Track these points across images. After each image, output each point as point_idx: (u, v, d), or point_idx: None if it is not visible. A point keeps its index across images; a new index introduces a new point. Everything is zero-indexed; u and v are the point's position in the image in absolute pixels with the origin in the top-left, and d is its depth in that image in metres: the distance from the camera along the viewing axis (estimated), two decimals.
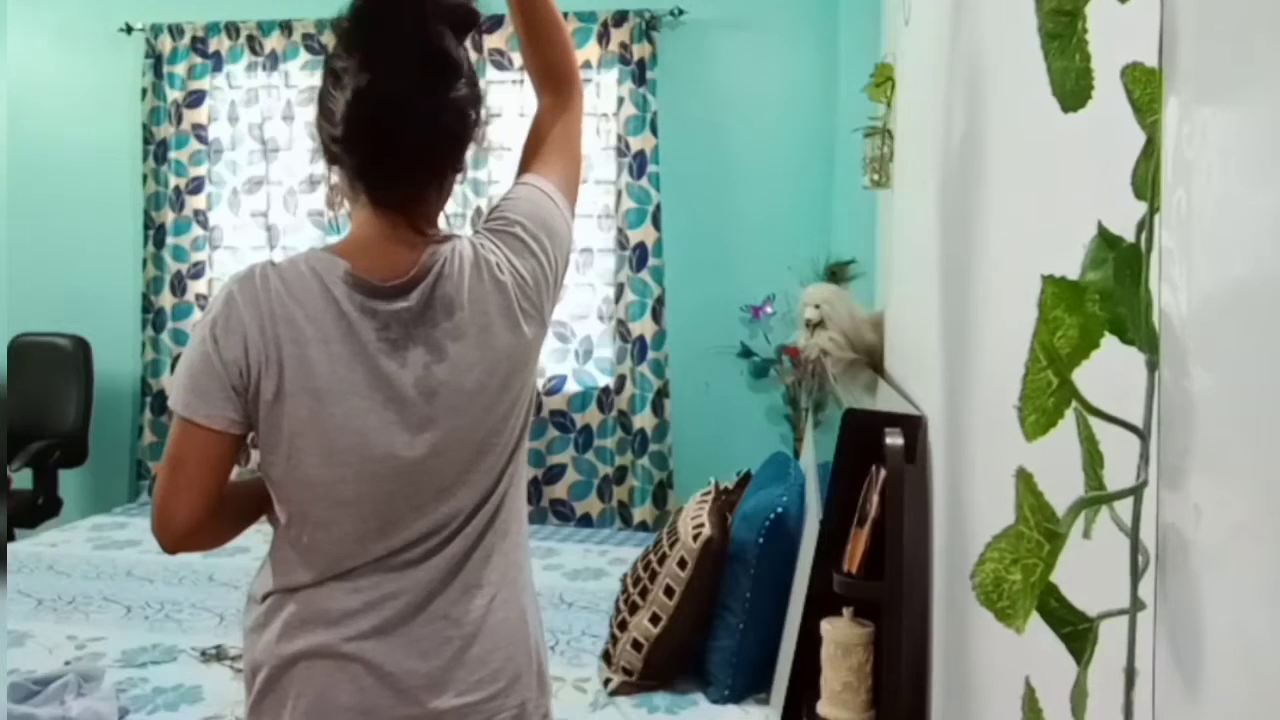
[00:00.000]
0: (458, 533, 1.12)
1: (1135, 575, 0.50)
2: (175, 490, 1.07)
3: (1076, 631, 0.52)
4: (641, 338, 3.61)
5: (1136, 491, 0.50)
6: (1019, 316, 1.00)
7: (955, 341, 1.37)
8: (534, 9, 1.23)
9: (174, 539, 1.08)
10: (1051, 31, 0.51)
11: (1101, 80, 0.55)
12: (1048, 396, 0.49)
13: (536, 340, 1.16)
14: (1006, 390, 1.05)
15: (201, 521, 1.08)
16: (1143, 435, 0.51)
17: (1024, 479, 0.50)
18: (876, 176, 2.37)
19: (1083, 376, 0.57)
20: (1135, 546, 0.50)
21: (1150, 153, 0.52)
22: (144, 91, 3.93)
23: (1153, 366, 0.50)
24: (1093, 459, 0.52)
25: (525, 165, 1.26)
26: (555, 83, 1.26)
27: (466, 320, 1.09)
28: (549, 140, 1.25)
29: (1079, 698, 0.52)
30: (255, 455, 1.11)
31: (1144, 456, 0.50)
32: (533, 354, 1.16)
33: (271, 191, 3.84)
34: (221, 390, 1.05)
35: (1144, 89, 0.52)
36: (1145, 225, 0.50)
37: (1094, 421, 0.52)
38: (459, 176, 1.15)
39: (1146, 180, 0.52)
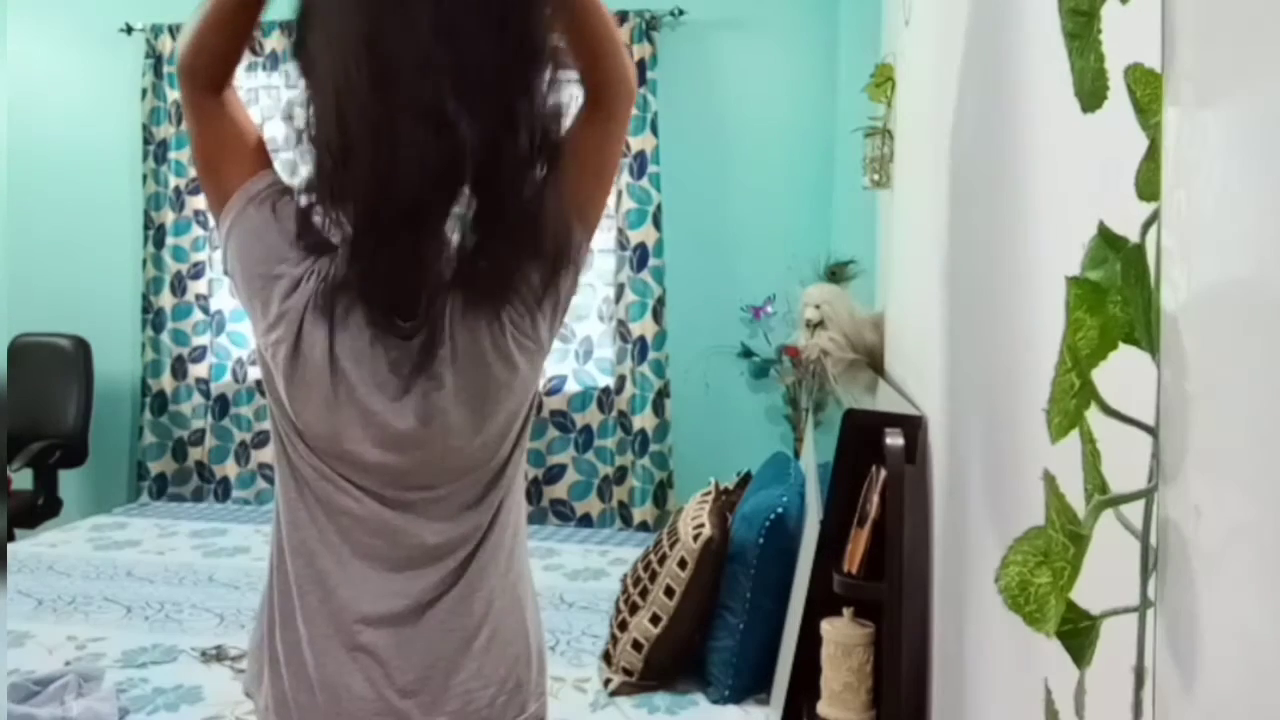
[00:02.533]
0: (461, 539, 1.12)
1: (1145, 574, 0.50)
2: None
3: (1076, 630, 0.52)
4: (642, 338, 3.61)
5: (1148, 494, 0.50)
6: (1019, 316, 1.00)
7: (955, 341, 1.38)
8: (586, 11, 1.11)
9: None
10: (1071, 31, 0.51)
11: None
12: (1070, 398, 0.49)
13: (533, 365, 1.11)
14: (1007, 390, 1.05)
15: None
16: (1156, 435, 0.51)
17: (1050, 481, 0.50)
18: (876, 176, 2.37)
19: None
20: (1146, 546, 0.50)
21: (1154, 154, 0.52)
22: (144, 92, 3.93)
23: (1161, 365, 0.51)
24: (1093, 458, 0.52)
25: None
26: (601, 90, 1.13)
27: (460, 349, 1.05)
28: (581, 151, 1.11)
29: (1079, 696, 0.52)
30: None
31: (1156, 456, 0.50)
32: (530, 380, 1.12)
33: None
34: None
35: (1146, 89, 0.52)
36: (1157, 225, 0.50)
37: (1098, 422, 0.52)
38: None
39: (1151, 181, 0.52)
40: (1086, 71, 0.51)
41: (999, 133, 1.14)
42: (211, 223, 3.91)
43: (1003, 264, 1.10)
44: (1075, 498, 0.53)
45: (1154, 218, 0.51)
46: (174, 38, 3.89)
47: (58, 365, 3.77)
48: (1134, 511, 0.59)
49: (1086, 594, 0.56)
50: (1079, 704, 0.53)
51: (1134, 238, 0.52)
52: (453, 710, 1.10)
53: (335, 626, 1.08)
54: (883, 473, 1.49)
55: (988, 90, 1.21)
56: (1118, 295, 0.50)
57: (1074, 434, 0.53)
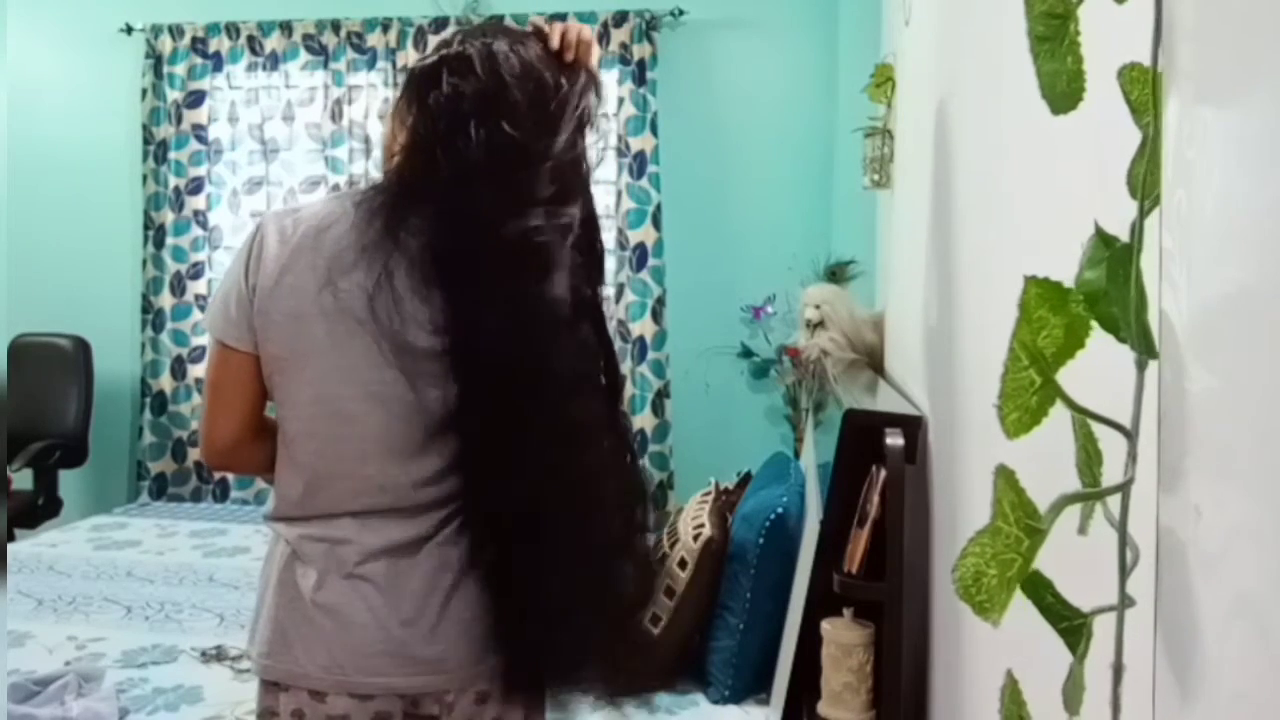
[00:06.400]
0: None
1: (1123, 572, 0.50)
2: (216, 410, 1.16)
3: (1072, 627, 0.52)
4: (642, 338, 3.61)
5: (1123, 489, 0.50)
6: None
7: (955, 341, 1.37)
8: None
9: (215, 456, 1.19)
10: (1042, 34, 0.51)
11: (1102, 80, 0.55)
12: (1030, 395, 0.50)
13: None
14: None
15: (244, 438, 1.16)
16: (1129, 434, 0.51)
17: (1004, 476, 0.50)
18: (876, 176, 2.37)
19: (1080, 376, 0.57)
20: (1123, 543, 0.50)
21: (1144, 152, 0.52)
22: (144, 92, 3.93)
23: (1141, 365, 0.51)
24: (1090, 458, 0.52)
25: None
26: None
27: None
28: None
29: (1075, 692, 0.52)
30: None
31: (1131, 455, 0.51)
32: None
33: (271, 192, 3.84)
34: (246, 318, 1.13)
35: (1141, 90, 0.52)
36: (1136, 224, 0.50)
37: (1064, 419, 0.52)
38: None
39: (1140, 179, 0.52)
40: (1061, 74, 0.51)
41: (998, 132, 1.14)
42: (211, 223, 3.92)
43: (1002, 263, 1.10)
44: (1060, 490, 0.53)
45: (1141, 217, 0.51)
46: (174, 38, 3.90)
47: (58, 365, 3.77)
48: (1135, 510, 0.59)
49: (1089, 590, 0.56)
50: (1074, 699, 0.53)
51: (1127, 238, 0.52)
52: (451, 639, 1.12)
53: (335, 560, 1.11)
54: (883, 473, 1.49)
55: (987, 90, 1.21)
56: (1082, 294, 0.50)
57: (1057, 431, 0.53)
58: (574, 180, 1.13)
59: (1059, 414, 0.54)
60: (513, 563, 1.12)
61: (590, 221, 1.18)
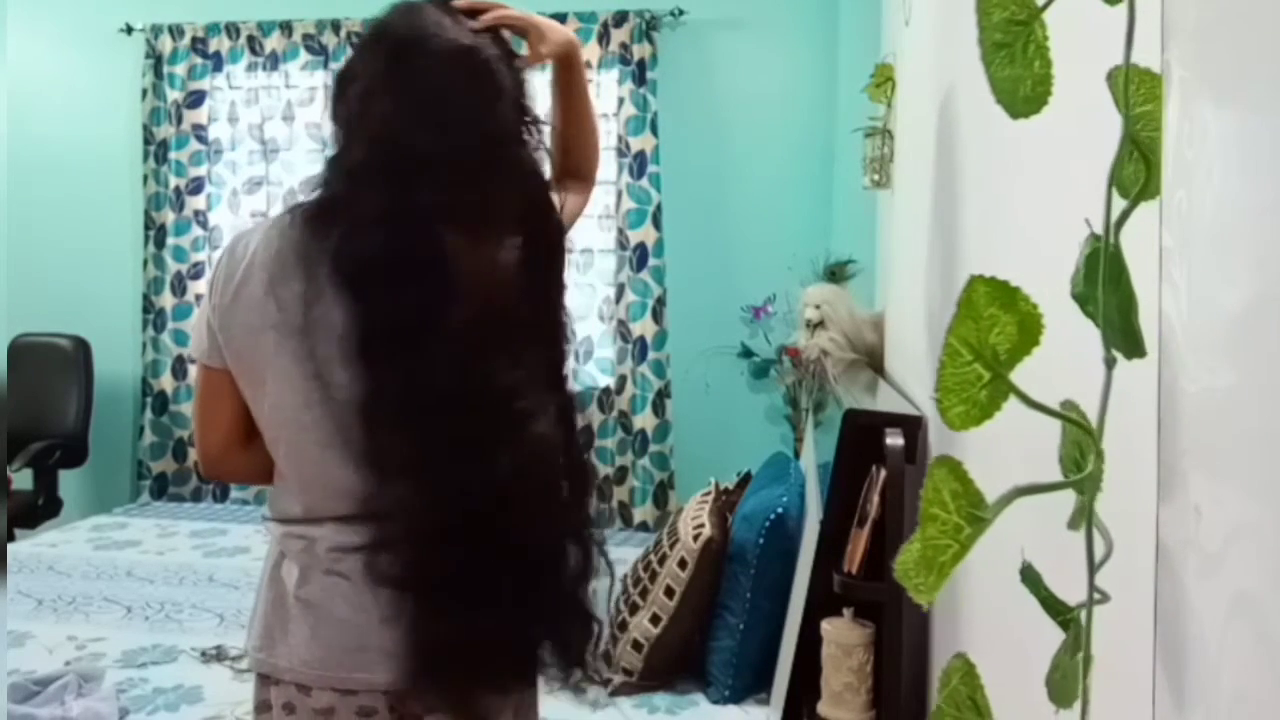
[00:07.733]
0: None
1: (1091, 566, 0.51)
2: (202, 425, 1.20)
3: (1066, 621, 0.53)
4: (642, 338, 3.61)
5: (1085, 482, 0.51)
6: None
7: None
8: (576, 123, 1.33)
9: (208, 466, 1.22)
10: (1000, 41, 0.52)
11: (1101, 80, 0.55)
12: (978, 389, 0.50)
13: None
14: None
15: (231, 448, 1.19)
16: (1089, 431, 0.51)
17: (944, 466, 0.51)
18: (876, 176, 2.37)
19: (1076, 374, 0.57)
20: (1090, 538, 0.51)
21: (1131, 150, 0.52)
22: (144, 92, 3.93)
23: (1110, 364, 0.51)
24: (1083, 453, 0.52)
25: None
26: (573, 181, 1.35)
27: None
28: (569, 216, 1.31)
29: (1065, 685, 0.52)
30: None
31: (1095, 451, 0.51)
32: None
33: (271, 192, 3.84)
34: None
35: (1138, 90, 0.53)
36: (1115, 224, 0.51)
37: (1023, 413, 0.52)
38: None
39: (1130, 179, 0.52)
40: (1024, 78, 0.52)
41: (998, 132, 1.14)
42: (211, 223, 3.92)
43: (1002, 263, 1.10)
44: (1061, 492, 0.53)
45: (1124, 217, 0.51)
46: (174, 38, 3.90)
47: (58, 365, 3.77)
48: (1126, 508, 0.59)
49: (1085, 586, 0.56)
50: (1062, 692, 0.53)
51: (1126, 239, 0.52)
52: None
53: (314, 557, 1.13)
54: (883, 473, 1.49)
55: (986, 90, 1.21)
56: (1027, 294, 0.50)
57: (1054, 430, 0.53)
58: (503, 150, 1.13)
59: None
60: (450, 567, 1.09)
61: (534, 194, 1.17)
